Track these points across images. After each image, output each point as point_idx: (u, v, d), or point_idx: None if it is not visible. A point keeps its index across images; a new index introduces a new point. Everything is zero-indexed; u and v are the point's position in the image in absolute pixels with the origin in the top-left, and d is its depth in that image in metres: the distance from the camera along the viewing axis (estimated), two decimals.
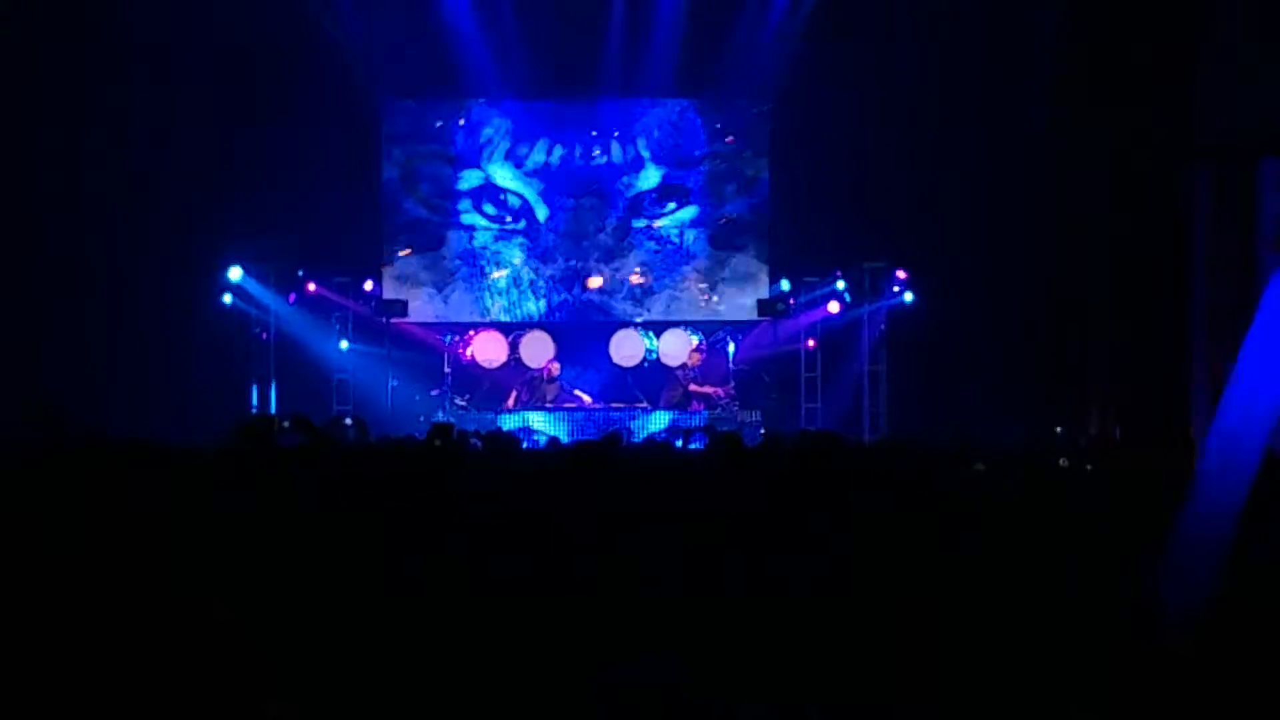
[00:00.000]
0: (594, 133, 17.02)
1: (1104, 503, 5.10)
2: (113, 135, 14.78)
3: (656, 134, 17.09)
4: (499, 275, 17.08)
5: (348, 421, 9.27)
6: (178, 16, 14.90)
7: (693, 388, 16.29)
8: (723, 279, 17.16)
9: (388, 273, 16.89)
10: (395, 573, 4.19)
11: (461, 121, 17.02)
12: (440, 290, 17.05)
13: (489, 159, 17.03)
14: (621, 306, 17.12)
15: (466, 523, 4.57)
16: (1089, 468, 7.63)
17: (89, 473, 4.31)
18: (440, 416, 15.22)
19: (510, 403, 15.93)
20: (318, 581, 4.07)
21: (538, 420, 15.23)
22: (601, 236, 17.08)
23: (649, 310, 17.11)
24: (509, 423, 14.95)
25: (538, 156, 17.01)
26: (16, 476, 4.69)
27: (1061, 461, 7.69)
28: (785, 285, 16.55)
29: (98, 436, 5.26)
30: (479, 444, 8.71)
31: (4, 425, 12.54)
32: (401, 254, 16.92)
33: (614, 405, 15.91)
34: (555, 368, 16.27)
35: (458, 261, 17.08)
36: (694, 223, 17.16)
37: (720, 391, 16.37)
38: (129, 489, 4.25)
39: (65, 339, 14.57)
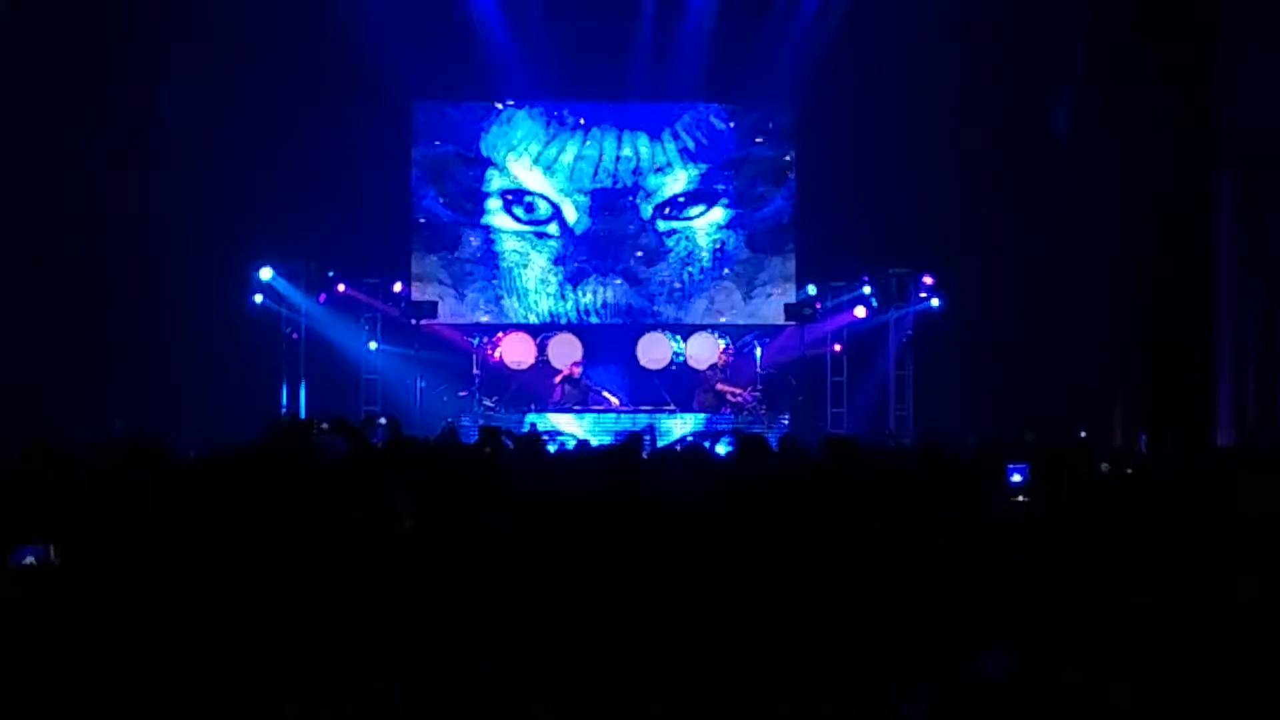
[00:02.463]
0: (622, 135, 17.11)
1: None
2: (144, 138, 14.92)
3: (684, 137, 17.16)
4: (527, 277, 17.19)
5: (381, 421, 9.38)
6: (209, 22, 15.03)
7: (720, 386, 16.35)
8: (750, 283, 17.22)
9: (415, 272, 17.01)
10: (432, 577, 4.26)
11: (490, 123, 17.14)
12: (467, 291, 17.16)
13: (517, 161, 17.13)
14: (649, 309, 17.21)
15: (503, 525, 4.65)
16: (1105, 467, 7.68)
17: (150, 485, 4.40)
18: (468, 417, 15.30)
19: (557, 396, 16.03)
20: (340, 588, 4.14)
21: (566, 422, 15.30)
22: (629, 239, 17.17)
23: (677, 314, 17.19)
24: (540, 424, 15.01)
25: (566, 159, 17.12)
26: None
27: (1104, 467, 7.74)
28: (812, 290, 16.59)
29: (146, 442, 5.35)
30: (509, 443, 8.83)
31: (24, 426, 12.70)
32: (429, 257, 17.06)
33: (641, 408, 15.97)
34: (576, 370, 16.34)
35: (486, 263, 17.18)
36: (721, 226, 17.23)
37: (745, 395, 16.41)
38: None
39: (96, 337, 14.69)
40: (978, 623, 3.82)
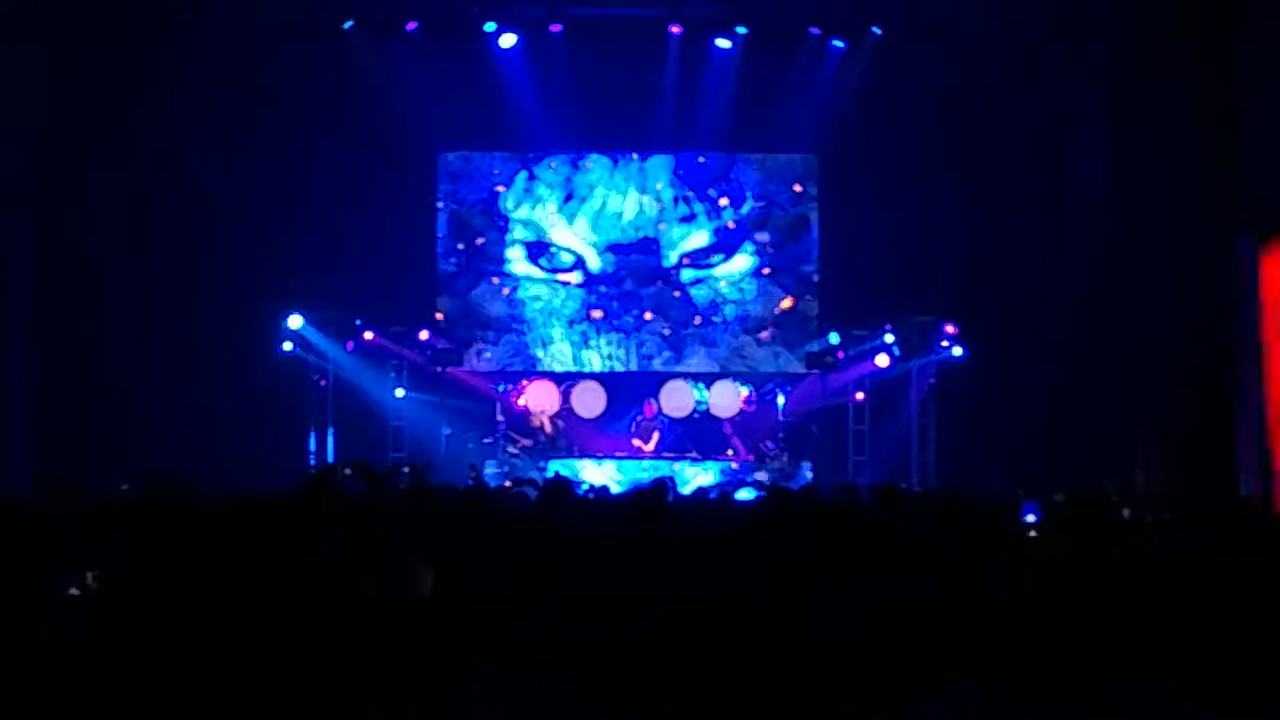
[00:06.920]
0: (646, 185, 17.26)
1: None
2: (176, 189, 15.13)
3: (708, 187, 17.29)
4: (550, 325, 17.30)
5: (405, 469, 9.51)
6: (238, 72, 15.28)
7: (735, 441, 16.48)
8: (772, 331, 17.29)
9: (441, 320, 17.13)
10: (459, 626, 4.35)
11: (514, 173, 17.31)
12: (491, 339, 17.29)
13: (541, 211, 17.29)
14: (671, 357, 17.30)
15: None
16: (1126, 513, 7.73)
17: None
18: (492, 464, 15.41)
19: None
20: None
21: (588, 469, 15.37)
22: (652, 287, 17.27)
23: (700, 362, 17.27)
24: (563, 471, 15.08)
25: (589, 208, 17.26)
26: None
27: (1125, 513, 7.80)
28: (834, 338, 16.63)
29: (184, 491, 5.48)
30: (533, 492, 8.90)
31: (57, 471, 12.83)
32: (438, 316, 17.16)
33: (664, 455, 16.04)
34: (544, 415, 16.51)
35: (510, 311, 17.32)
36: (744, 274, 17.32)
37: (744, 454, 16.42)
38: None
39: (127, 385, 14.83)
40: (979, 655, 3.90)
